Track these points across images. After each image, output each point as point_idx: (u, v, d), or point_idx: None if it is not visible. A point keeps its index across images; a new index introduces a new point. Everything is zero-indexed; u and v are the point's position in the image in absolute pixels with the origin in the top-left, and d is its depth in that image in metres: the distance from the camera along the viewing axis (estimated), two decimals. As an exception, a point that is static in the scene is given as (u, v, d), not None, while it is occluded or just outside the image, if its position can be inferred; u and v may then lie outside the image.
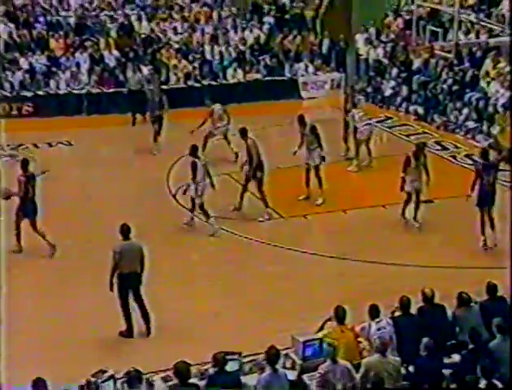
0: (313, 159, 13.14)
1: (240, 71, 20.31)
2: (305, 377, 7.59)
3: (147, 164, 15.11)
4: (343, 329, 7.90)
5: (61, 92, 18.90)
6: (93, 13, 21.46)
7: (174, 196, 13.32)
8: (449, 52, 18.98)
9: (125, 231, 9.22)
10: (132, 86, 18.09)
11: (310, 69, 20.91)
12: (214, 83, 19.91)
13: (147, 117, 16.47)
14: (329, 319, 8.16)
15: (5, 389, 7.18)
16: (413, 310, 8.29)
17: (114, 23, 21.04)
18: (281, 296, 10.27)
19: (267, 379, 7.18)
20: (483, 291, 8.54)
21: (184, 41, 20.89)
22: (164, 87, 18.18)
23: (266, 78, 20.39)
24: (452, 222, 12.44)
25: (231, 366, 7.48)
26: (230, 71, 20.27)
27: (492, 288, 8.48)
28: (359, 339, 8.01)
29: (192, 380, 7.20)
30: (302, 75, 20.68)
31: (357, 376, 7.35)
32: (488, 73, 17.67)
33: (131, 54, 19.92)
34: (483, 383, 6.96)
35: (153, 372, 7.92)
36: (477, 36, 19.40)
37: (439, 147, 16.46)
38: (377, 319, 7.99)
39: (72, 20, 21.00)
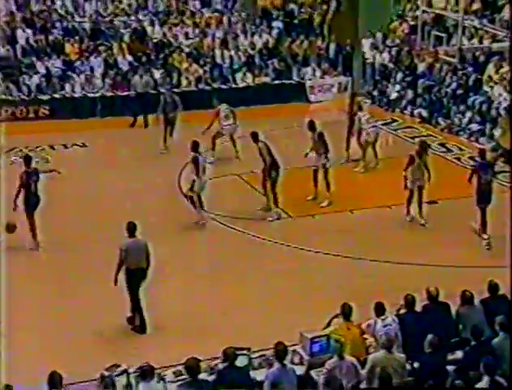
0: (321, 162, 13.16)
1: (249, 75, 20.33)
2: (312, 372, 7.59)
3: (159, 165, 15.13)
4: (349, 326, 7.89)
5: (76, 95, 18.96)
6: (108, 19, 21.51)
7: (185, 196, 13.33)
8: (453, 57, 18.95)
9: (131, 228, 9.29)
10: (138, 90, 18.04)
11: (318, 73, 20.90)
12: (224, 86, 19.93)
13: (159, 118, 16.45)
14: (336, 316, 8.17)
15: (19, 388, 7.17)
16: (418, 308, 8.27)
17: (128, 29, 21.10)
18: (289, 294, 10.26)
19: (276, 374, 7.18)
20: (485, 289, 8.53)
21: (195, 46, 20.92)
22: (175, 90, 18.21)
23: (275, 81, 20.40)
24: (455, 222, 12.40)
25: (240, 361, 7.49)
26: (239, 75, 20.29)
27: (493, 287, 8.47)
28: (365, 335, 8.01)
29: (202, 375, 7.22)
30: (310, 79, 20.66)
31: (364, 372, 7.34)
32: (491, 77, 17.62)
33: (143, 58, 20.00)
34: (485, 380, 6.94)
35: (164, 367, 7.92)
36: (480, 42, 19.34)
37: (443, 149, 16.44)
38: (383, 316, 7.98)
39: (87, 26, 21.07)
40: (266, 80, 20.39)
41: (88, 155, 16.27)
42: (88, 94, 18.95)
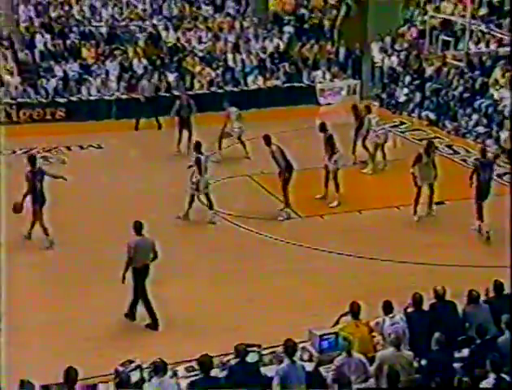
0: (331, 164, 13.14)
1: (260, 78, 20.35)
2: (321, 369, 7.57)
3: (172, 165, 15.14)
4: (358, 324, 7.87)
5: (92, 98, 19.03)
6: (123, 23, 21.57)
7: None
8: (461, 60, 18.90)
9: (138, 227, 9.37)
10: (147, 94, 18.02)
11: (327, 76, 20.87)
12: (235, 89, 19.96)
13: (174, 120, 16.42)
14: (344, 314, 8.13)
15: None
16: (425, 307, 8.24)
17: (143, 33, 21.15)
18: (299, 292, 10.24)
19: (285, 370, 7.17)
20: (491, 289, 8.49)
21: (208, 50, 20.96)
22: (189, 93, 18.23)
23: (286, 84, 20.40)
24: (462, 222, 12.33)
25: (251, 358, 7.49)
26: (251, 78, 20.32)
27: (499, 287, 8.43)
28: (373, 333, 7.98)
29: (214, 370, 7.22)
30: (320, 82, 20.64)
31: (371, 369, 7.31)
32: (497, 81, 17.55)
33: (158, 62, 20.05)
34: (491, 377, 6.90)
35: (177, 363, 7.92)
36: (487, 46, 19.31)
37: (450, 151, 16.38)
38: (391, 315, 7.95)
39: (104, 30, 21.14)
40: (277, 83, 20.39)
41: (103, 156, 16.32)
42: (104, 97, 19.02)
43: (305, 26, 22.53)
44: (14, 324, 8.96)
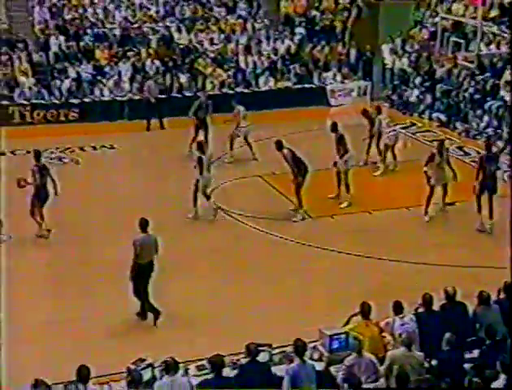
0: (341, 164, 13.11)
1: (271, 79, 20.32)
2: (331, 369, 7.54)
3: (184, 165, 15.11)
4: (368, 324, 7.83)
5: (105, 99, 19.07)
6: (136, 25, 21.61)
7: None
8: (471, 62, 18.80)
9: (143, 224, 9.44)
10: (152, 97, 17.97)
11: (338, 77, 20.81)
12: (247, 90, 19.94)
13: (193, 120, 16.29)
14: (355, 314, 8.09)
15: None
16: (435, 307, 8.19)
17: (156, 35, 21.19)
18: (309, 292, 10.21)
19: (295, 369, 7.14)
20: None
21: (220, 51, 20.96)
22: (199, 94, 18.19)
23: (296, 86, 20.36)
24: (473, 223, 12.25)
25: (262, 357, 7.47)
26: (262, 79, 20.30)
27: (509, 288, 8.35)
28: (383, 333, 7.93)
29: (225, 369, 7.20)
30: (330, 83, 20.59)
31: (382, 369, 7.27)
32: (508, 82, 17.42)
33: (170, 64, 20.07)
34: (502, 378, 6.84)
35: (188, 361, 7.91)
36: (498, 47, 19.18)
37: (461, 152, 16.28)
38: (401, 315, 7.92)
39: (117, 32, 21.19)
40: (288, 84, 20.37)
41: (116, 156, 16.35)
42: (117, 98, 19.06)
43: (317, 28, 22.46)
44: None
